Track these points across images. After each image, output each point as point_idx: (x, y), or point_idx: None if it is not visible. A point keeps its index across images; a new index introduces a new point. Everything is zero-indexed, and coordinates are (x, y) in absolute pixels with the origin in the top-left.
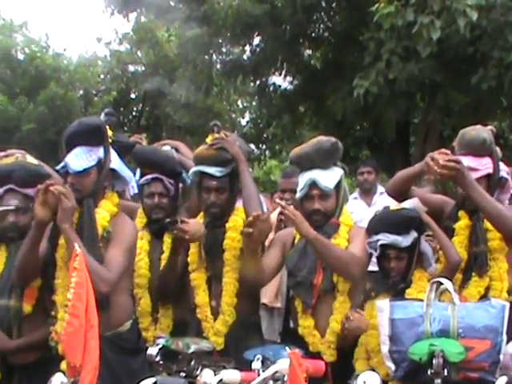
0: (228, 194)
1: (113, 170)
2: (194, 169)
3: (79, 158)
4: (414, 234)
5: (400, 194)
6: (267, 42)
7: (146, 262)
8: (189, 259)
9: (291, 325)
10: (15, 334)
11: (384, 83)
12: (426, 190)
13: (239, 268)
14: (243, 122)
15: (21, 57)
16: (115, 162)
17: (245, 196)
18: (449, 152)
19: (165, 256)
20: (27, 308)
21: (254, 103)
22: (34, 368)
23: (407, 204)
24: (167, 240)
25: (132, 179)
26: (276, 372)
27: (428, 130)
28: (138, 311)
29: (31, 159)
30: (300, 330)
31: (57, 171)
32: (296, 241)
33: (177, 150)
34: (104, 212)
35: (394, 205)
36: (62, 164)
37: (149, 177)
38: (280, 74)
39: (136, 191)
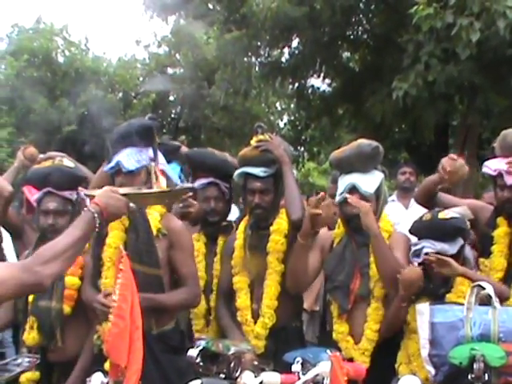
0: (272, 195)
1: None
2: (238, 170)
3: (131, 158)
4: (460, 242)
5: (426, 201)
6: (306, 45)
7: (203, 265)
8: (232, 262)
9: (327, 328)
10: (58, 336)
11: (423, 85)
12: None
13: (288, 266)
14: (281, 124)
15: (61, 59)
16: (162, 164)
17: (287, 198)
18: (455, 157)
19: (218, 258)
20: (66, 309)
21: (292, 105)
22: (73, 366)
23: (455, 211)
24: (220, 243)
25: (178, 181)
26: (317, 375)
27: (467, 132)
28: (193, 313)
29: (68, 162)
30: (334, 335)
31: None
32: (335, 244)
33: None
34: (155, 213)
35: (442, 212)
36: (111, 164)
37: (204, 181)
38: (318, 77)
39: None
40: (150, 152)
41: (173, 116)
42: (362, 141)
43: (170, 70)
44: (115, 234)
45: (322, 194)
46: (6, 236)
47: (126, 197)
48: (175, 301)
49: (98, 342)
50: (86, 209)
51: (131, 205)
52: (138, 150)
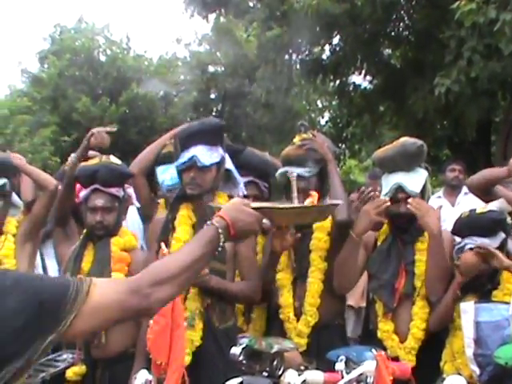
0: (317, 194)
1: (227, 171)
2: (281, 169)
3: (204, 154)
4: (501, 236)
5: (484, 193)
6: (347, 41)
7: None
8: None
9: (370, 327)
10: (102, 332)
11: (465, 82)
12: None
13: (336, 264)
14: (322, 121)
15: (103, 59)
16: (229, 164)
17: (333, 196)
18: None
19: (259, 258)
20: None
21: (333, 103)
22: (116, 362)
23: (493, 205)
24: (260, 242)
25: (241, 182)
26: (361, 374)
27: (510, 128)
28: None
29: (115, 159)
30: (379, 334)
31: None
32: (378, 243)
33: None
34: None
35: (479, 207)
36: (183, 159)
37: (244, 180)
38: (360, 73)
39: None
40: (221, 151)
41: (214, 114)
42: (406, 139)
43: (210, 68)
44: (183, 229)
45: (364, 188)
46: None
47: (259, 211)
48: (236, 290)
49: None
50: (209, 223)
51: (264, 221)
52: (209, 148)
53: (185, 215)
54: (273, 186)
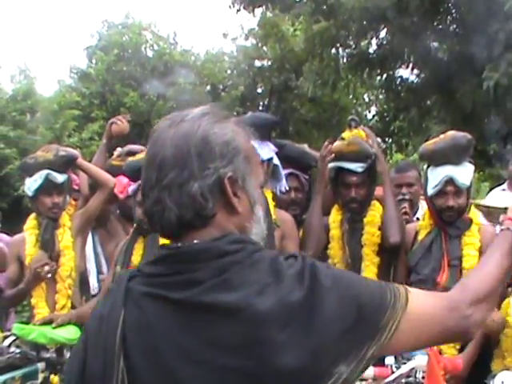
0: (367, 189)
1: (275, 166)
2: (332, 164)
3: (261, 149)
4: None
5: None
6: (394, 35)
7: None
8: (331, 253)
9: None
10: None
11: None
12: None
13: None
14: (369, 115)
15: (150, 54)
16: (276, 159)
17: (386, 220)
18: None
19: None
20: None
21: (380, 97)
22: None
23: None
24: (301, 236)
25: (283, 178)
26: (412, 368)
27: None
28: None
29: None
30: None
31: None
32: (420, 237)
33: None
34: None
35: None
36: None
37: (285, 172)
38: (407, 67)
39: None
40: (272, 146)
41: (261, 108)
42: (456, 132)
43: (257, 63)
44: None
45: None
46: None
47: None
48: None
49: None
50: (504, 227)
51: None
52: (259, 143)
53: None
54: (313, 177)
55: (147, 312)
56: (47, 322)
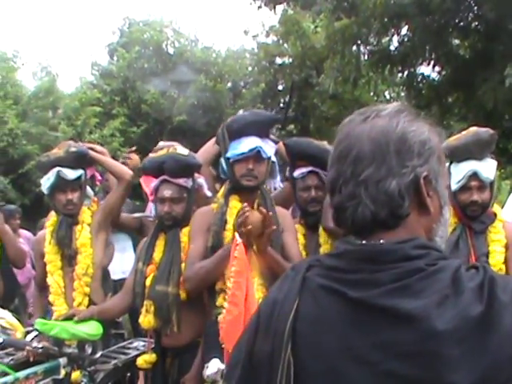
0: None
1: (273, 163)
2: None
3: (265, 146)
4: None
5: None
6: (415, 32)
7: (304, 256)
8: None
9: None
10: (174, 320)
11: None
12: None
13: None
14: None
15: (171, 51)
16: (273, 156)
17: None
18: None
19: (325, 248)
20: (182, 295)
21: (401, 94)
22: (186, 351)
23: None
24: (322, 232)
25: (278, 175)
26: None
27: None
28: None
29: (182, 150)
30: None
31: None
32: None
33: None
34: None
35: None
36: (238, 150)
37: (304, 170)
38: (428, 64)
39: (282, 186)
40: (271, 143)
41: (281, 105)
42: (478, 128)
43: (278, 60)
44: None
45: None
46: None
47: None
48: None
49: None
50: None
51: None
52: (262, 140)
53: (236, 207)
54: None
55: (321, 305)
56: (69, 318)
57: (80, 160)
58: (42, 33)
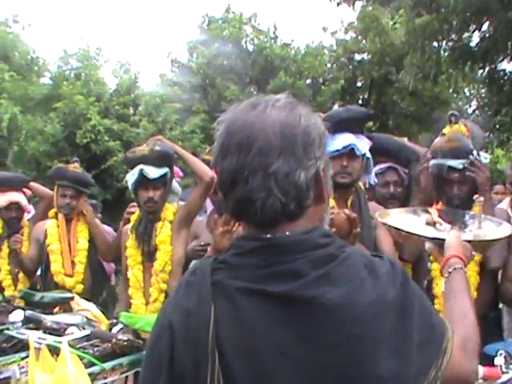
0: (470, 184)
1: (368, 159)
2: (434, 161)
3: (358, 143)
4: None
5: None
6: (497, 28)
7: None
8: None
9: None
10: None
11: None
12: None
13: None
14: (469, 110)
15: (250, 48)
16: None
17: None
18: None
19: None
20: None
21: (482, 90)
22: None
23: None
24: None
25: (373, 171)
26: None
27: None
28: None
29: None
30: None
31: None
32: None
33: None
34: None
35: None
36: (332, 146)
37: (383, 166)
38: (510, 60)
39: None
40: (366, 140)
41: (361, 102)
42: None
43: (357, 56)
44: None
45: None
46: None
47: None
48: None
49: None
50: (453, 267)
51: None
52: (356, 137)
53: (330, 205)
54: (412, 171)
55: (241, 308)
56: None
57: (164, 159)
58: (123, 31)
